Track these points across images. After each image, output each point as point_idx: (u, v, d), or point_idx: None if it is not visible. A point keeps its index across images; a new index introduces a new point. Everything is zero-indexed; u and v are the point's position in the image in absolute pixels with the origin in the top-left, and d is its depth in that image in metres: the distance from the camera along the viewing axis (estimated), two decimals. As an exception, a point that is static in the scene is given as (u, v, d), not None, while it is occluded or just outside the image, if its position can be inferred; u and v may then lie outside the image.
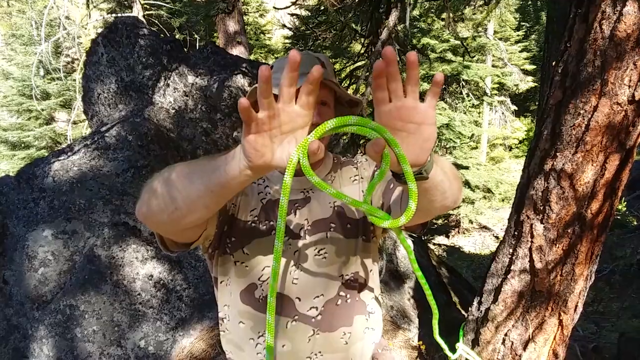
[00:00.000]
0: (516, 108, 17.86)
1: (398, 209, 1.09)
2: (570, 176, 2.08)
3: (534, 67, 16.58)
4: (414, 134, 0.76)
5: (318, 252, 1.15)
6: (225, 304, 1.20)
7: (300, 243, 1.15)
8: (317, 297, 1.14)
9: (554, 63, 2.26)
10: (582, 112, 2.01)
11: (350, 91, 4.15)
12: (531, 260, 2.27)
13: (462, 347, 2.41)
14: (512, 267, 2.37)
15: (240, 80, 3.46)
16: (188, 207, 0.88)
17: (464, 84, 11.71)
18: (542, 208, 2.21)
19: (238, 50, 8.55)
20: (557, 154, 2.12)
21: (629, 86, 1.89)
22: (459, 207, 12.29)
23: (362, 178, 1.25)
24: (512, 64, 15.73)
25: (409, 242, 0.95)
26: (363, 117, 0.75)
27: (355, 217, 1.20)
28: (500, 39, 15.84)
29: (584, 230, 2.15)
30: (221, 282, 1.20)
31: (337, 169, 1.28)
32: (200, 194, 0.86)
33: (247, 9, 16.17)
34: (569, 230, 2.16)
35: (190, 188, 0.86)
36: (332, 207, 1.19)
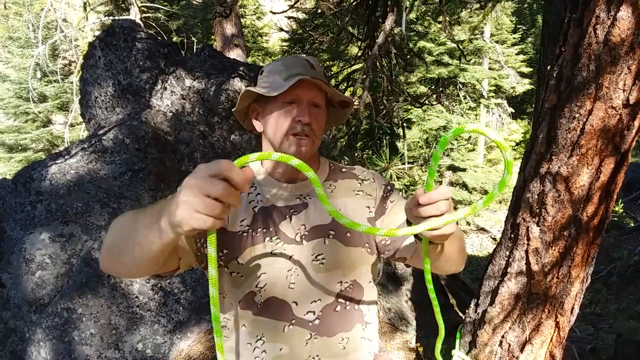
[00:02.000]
0: (513, 110, 17.92)
1: (409, 252, 1.19)
2: (565, 179, 2.10)
3: (531, 69, 16.65)
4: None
5: (315, 257, 1.15)
6: (225, 315, 1.21)
7: (297, 248, 1.15)
8: (315, 301, 1.14)
9: (549, 67, 2.28)
10: (577, 115, 2.03)
11: (347, 94, 4.16)
12: (528, 263, 2.29)
13: (457, 353, 2.43)
14: (508, 270, 2.38)
15: (238, 84, 3.47)
16: (134, 269, 1.00)
17: (460, 86, 11.75)
18: (538, 211, 2.22)
19: (235, 53, 8.56)
20: (553, 157, 2.14)
21: (624, 90, 1.91)
22: (456, 208, 12.31)
23: (368, 195, 1.25)
24: (508, 67, 15.80)
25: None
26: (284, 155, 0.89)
27: None
28: (496, 41, 15.91)
29: (580, 233, 2.16)
30: (219, 294, 1.20)
31: (337, 178, 1.27)
32: (139, 260, 0.95)
33: (245, 12, 16.19)
34: (565, 233, 2.17)
35: (127, 259, 0.96)
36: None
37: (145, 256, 0.92)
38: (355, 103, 4.16)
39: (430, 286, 1.03)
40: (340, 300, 1.17)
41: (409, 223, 1.00)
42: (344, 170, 1.31)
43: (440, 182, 12.91)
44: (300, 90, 1.14)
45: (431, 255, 1.01)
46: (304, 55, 1.25)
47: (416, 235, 0.94)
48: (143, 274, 1.03)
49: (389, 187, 1.29)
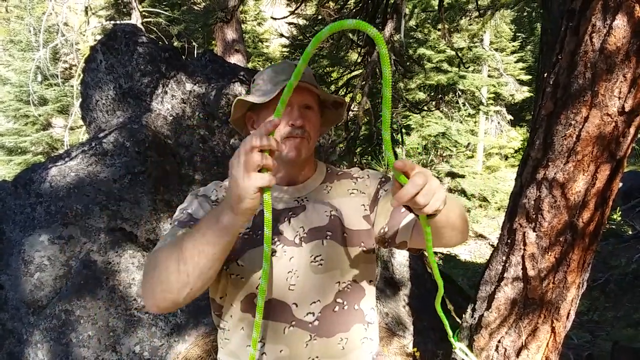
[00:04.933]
0: (512, 118, 17.94)
1: (407, 234, 1.17)
2: (562, 185, 2.12)
3: (530, 77, 16.70)
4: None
5: (314, 258, 1.16)
6: (225, 318, 1.22)
7: (296, 250, 1.16)
8: (314, 302, 1.15)
9: (545, 75, 2.30)
10: (573, 122, 2.05)
11: (347, 99, 4.18)
12: (524, 268, 2.30)
13: (459, 345, 2.42)
14: (505, 275, 2.39)
15: (238, 88, 3.49)
16: (201, 281, 0.99)
17: (460, 93, 11.79)
18: (534, 216, 2.24)
19: (236, 58, 8.60)
20: (549, 163, 2.16)
21: (619, 98, 1.93)
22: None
23: (362, 192, 1.27)
24: (507, 74, 15.84)
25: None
26: None
27: (353, 227, 1.22)
28: (496, 49, 15.97)
29: (576, 239, 2.18)
30: (220, 298, 1.23)
31: (333, 180, 1.30)
32: (208, 268, 0.97)
33: (245, 18, 16.26)
34: (561, 239, 2.19)
35: (196, 264, 0.96)
36: (328, 216, 1.21)
37: (209, 262, 0.96)
38: (355, 109, 4.19)
39: (430, 252, 1.02)
40: (338, 300, 1.18)
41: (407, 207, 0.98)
42: (340, 172, 1.34)
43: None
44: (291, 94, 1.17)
45: (434, 229, 0.99)
46: (294, 61, 1.27)
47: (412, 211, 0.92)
48: (202, 287, 1.02)
49: (384, 179, 1.31)
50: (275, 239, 1.16)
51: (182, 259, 0.95)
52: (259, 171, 0.85)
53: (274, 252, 1.15)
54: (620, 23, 1.88)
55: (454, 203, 1.05)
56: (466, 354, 1.44)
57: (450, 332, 1.32)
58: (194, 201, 1.20)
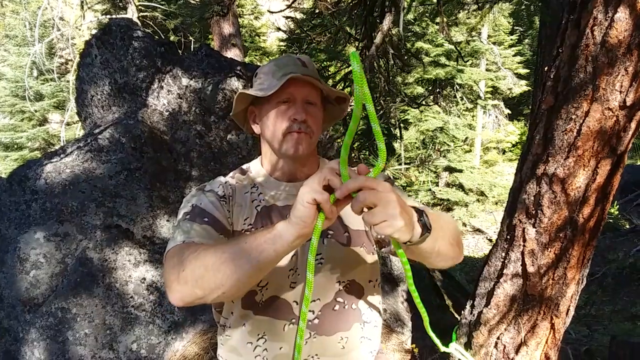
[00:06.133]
0: (510, 112, 17.94)
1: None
2: (562, 181, 2.10)
3: (528, 71, 16.69)
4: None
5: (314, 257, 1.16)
6: (226, 315, 1.22)
7: (298, 248, 1.15)
8: (314, 301, 1.15)
9: (546, 68, 2.28)
10: (573, 117, 2.03)
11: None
12: (523, 264, 2.29)
13: (455, 346, 2.41)
14: (504, 271, 2.38)
15: (235, 83, 3.46)
16: (237, 287, 0.96)
17: (457, 87, 11.76)
18: (534, 212, 2.22)
19: (233, 53, 8.55)
20: (549, 158, 2.14)
21: (620, 92, 1.91)
22: (452, 209, 12.34)
23: None
24: (505, 68, 15.81)
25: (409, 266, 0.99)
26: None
27: (354, 227, 1.21)
28: (494, 43, 15.93)
29: (576, 235, 2.16)
30: None
31: None
32: (248, 276, 0.94)
33: (242, 12, 16.18)
34: (560, 235, 2.17)
35: (233, 275, 0.93)
36: None
37: (259, 268, 0.94)
38: (352, 104, 4.16)
39: (410, 281, 1.02)
40: (338, 299, 1.17)
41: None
42: None
43: (437, 184, 12.94)
44: (294, 88, 1.15)
45: (416, 253, 0.98)
46: (296, 55, 1.25)
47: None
48: (234, 294, 1.01)
49: (387, 182, 1.29)
50: None
51: (225, 261, 0.92)
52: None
53: None
54: (622, 16, 1.85)
55: (445, 229, 1.04)
56: (461, 353, 1.43)
57: (442, 348, 1.34)
58: (201, 196, 1.18)
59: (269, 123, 1.18)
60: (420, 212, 0.93)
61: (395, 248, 0.93)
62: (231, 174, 1.29)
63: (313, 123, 1.17)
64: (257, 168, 1.27)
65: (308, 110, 1.16)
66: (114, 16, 10.07)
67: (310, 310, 1.14)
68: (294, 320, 1.14)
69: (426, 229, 0.92)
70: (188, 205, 1.16)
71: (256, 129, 1.26)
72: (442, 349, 1.32)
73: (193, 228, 1.08)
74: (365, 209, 0.83)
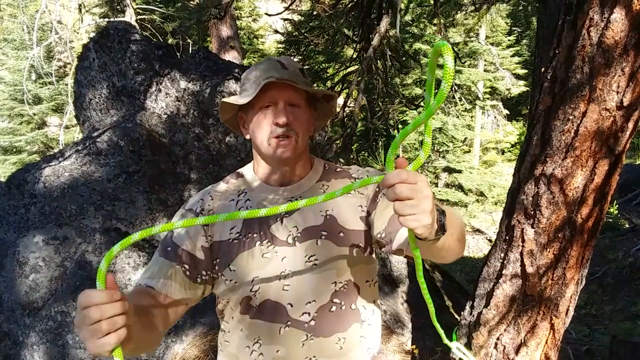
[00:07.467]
0: (508, 112, 17.94)
1: (404, 243, 1.11)
2: (560, 181, 2.10)
3: (526, 71, 16.70)
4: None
5: (308, 258, 1.15)
6: (227, 320, 1.23)
7: (289, 250, 1.15)
8: (309, 302, 1.15)
9: (543, 69, 2.28)
10: (571, 118, 2.03)
11: (343, 95, 4.16)
12: (522, 265, 2.29)
13: (456, 345, 2.41)
14: (503, 272, 2.38)
15: (233, 86, 3.46)
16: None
17: (456, 88, 11.78)
18: (532, 213, 2.22)
19: (231, 55, 8.56)
20: (547, 159, 2.14)
21: (617, 92, 1.91)
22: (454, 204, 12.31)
23: (360, 193, 1.24)
24: (504, 69, 15.82)
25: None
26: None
27: (349, 227, 1.20)
28: (492, 43, 15.94)
29: (575, 235, 2.16)
30: (222, 302, 1.23)
31: (330, 178, 1.27)
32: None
33: (240, 14, 16.19)
34: (559, 235, 2.18)
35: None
36: (323, 216, 1.19)
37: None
38: (351, 105, 4.17)
39: (420, 273, 1.01)
40: (335, 300, 1.17)
41: None
42: (338, 170, 1.31)
43: (436, 184, 12.94)
44: (274, 92, 1.14)
45: (425, 248, 0.97)
46: (277, 57, 1.25)
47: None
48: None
49: None
50: (267, 240, 1.16)
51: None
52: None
53: (264, 253, 1.15)
54: (618, 16, 1.85)
55: (456, 226, 1.02)
56: (464, 353, 1.43)
57: (446, 341, 1.32)
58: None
59: (253, 128, 1.18)
60: (441, 212, 0.93)
61: (410, 240, 0.92)
62: (227, 178, 1.29)
63: (297, 125, 1.16)
64: (251, 174, 1.27)
65: (290, 112, 1.15)
66: (111, 19, 10.07)
67: (306, 312, 1.14)
68: (289, 323, 1.14)
69: (442, 229, 0.92)
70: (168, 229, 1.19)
71: (245, 133, 1.26)
72: (446, 341, 1.31)
73: (157, 263, 1.15)
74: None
